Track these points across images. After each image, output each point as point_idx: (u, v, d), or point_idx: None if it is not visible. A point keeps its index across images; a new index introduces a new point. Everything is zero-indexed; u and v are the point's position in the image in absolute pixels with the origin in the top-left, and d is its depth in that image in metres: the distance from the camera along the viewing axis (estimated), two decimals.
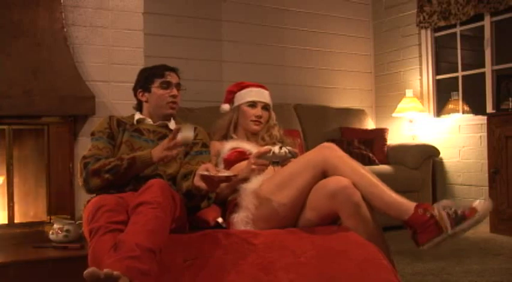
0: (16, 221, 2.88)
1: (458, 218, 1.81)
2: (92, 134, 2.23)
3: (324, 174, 2.00)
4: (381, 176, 2.00)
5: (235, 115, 2.54)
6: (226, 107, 2.60)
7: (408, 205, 1.88)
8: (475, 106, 4.54)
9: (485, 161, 3.89)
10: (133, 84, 2.41)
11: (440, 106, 4.80)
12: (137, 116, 2.32)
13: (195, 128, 2.36)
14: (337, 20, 5.16)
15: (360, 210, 1.92)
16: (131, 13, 3.19)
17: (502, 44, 4.31)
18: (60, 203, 2.95)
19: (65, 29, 2.96)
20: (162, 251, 1.67)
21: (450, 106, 4.68)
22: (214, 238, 1.92)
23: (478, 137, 4.31)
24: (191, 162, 2.20)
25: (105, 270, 1.43)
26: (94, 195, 2.08)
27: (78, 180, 2.12)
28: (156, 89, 2.29)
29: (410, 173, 4.17)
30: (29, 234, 2.83)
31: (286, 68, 4.88)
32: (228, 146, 2.42)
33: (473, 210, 1.82)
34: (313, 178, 2.00)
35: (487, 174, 3.84)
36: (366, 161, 4.13)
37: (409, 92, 4.75)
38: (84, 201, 2.09)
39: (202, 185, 1.91)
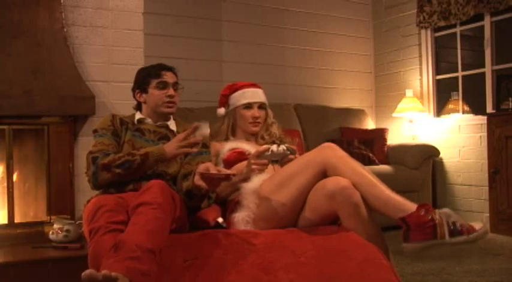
0: (16, 221, 2.88)
1: (455, 231, 1.79)
2: (95, 131, 2.21)
3: (324, 174, 2.00)
4: (381, 176, 2.00)
5: (232, 118, 2.53)
6: (222, 111, 2.57)
7: (409, 205, 1.88)
8: (475, 106, 4.54)
9: (485, 161, 3.89)
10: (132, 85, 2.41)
11: (440, 106, 4.80)
12: (137, 116, 2.32)
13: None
14: (337, 20, 5.16)
15: (359, 210, 1.92)
16: (131, 13, 3.19)
17: (502, 44, 4.31)
18: (60, 203, 2.95)
19: (65, 29, 2.96)
20: (162, 251, 1.67)
21: (450, 106, 4.68)
22: (214, 238, 1.92)
23: (478, 137, 4.31)
24: (191, 162, 2.20)
25: (103, 271, 1.43)
26: (94, 195, 2.08)
27: (85, 175, 2.11)
28: (152, 90, 2.28)
29: (410, 173, 4.17)
30: (29, 234, 2.83)
31: (286, 68, 4.88)
32: (227, 147, 2.42)
33: (472, 229, 1.80)
34: (313, 178, 2.00)
35: (487, 174, 3.84)
36: (366, 161, 4.13)
37: (409, 92, 4.75)
38: (84, 201, 2.09)
39: (202, 184, 1.91)
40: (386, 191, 1.92)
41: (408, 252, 1.85)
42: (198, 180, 1.91)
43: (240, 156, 2.35)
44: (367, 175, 1.96)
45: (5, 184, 2.86)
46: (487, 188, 3.84)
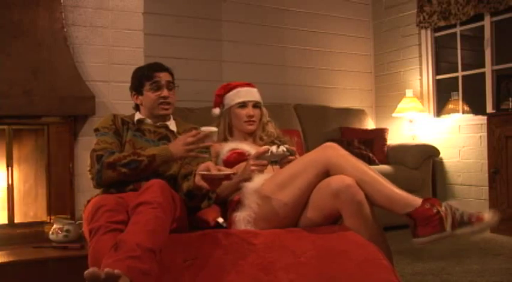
0: (16, 221, 2.88)
1: (463, 222, 1.80)
2: (96, 129, 2.21)
3: (327, 174, 2.00)
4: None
5: (227, 118, 2.52)
6: (217, 111, 2.56)
7: (414, 199, 1.88)
8: (475, 106, 4.54)
9: (485, 161, 3.89)
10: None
11: (440, 106, 4.80)
12: (137, 116, 2.32)
13: (196, 129, 2.36)
14: (337, 20, 5.16)
15: (363, 209, 1.92)
16: (131, 13, 3.19)
17: (502, 44, 4.31)
18: (60, 203, 2.95)
19: (65, 29, 2.96)
20: (162, 251, 1.67)
21: (450, 106, 4.68)
22: (214, 238, 1.92)
23: (478, 137, 4.31)
24: (192, 162, 2.20)
25: (106, 269, 1.43)
26: (94, 195, 2.08)
27: (89, 173, 2.10)
28: (147, 92, 2.28)
29: (410, 173, 4.17)
30: (29, 234, 2.83)
31: (286, 68, 4.88)
32: (227, 147, 2.41)
33: (480, 219, 1.80)
34: (315, 177, 2.00)
35: (487, 174, 3.84)
36: (366, 161, 4.05)
37: (409, 92, 4.75)
38: (84, 201, 2.09)
39: (203, 184, 1.91)
40: (390, 187, 1.93)
41: (418, 246, 1.85)
42: (199, 181, 1.91)
43: (240, 156, 2.35)
44: (371, 172, 1.96)
45: (5, 184, 2.86)
46: (487, 188, 3.84)
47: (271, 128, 2.56)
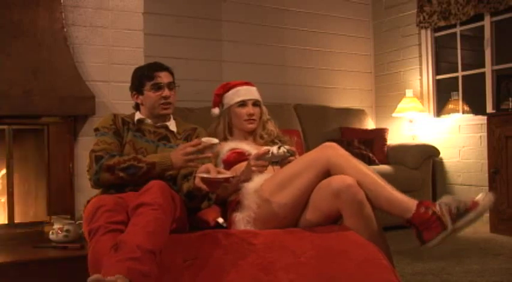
0: (16, 221, 2.88)
1: (460, 213, 1.81)
2: (96, 129, 2.21)
3: (327, 174, 2.00)
4: (381, 176, 2.00)
5: (227, 117, 2.52)
6: (216, 111, 2.56)
7: (410, 203, 1.89)
8: (475, 106, 4.54)
9: (485, 161, 3.89)
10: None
11: (440, 106, 4.80)
12: (137, 116, 2.32)
13: (196, 129, 2.36)
14: (337, 20, 5.16)
15: (363, 209, 1.92)
16: (131, 13, 3.19)
17: (502, 44, 4.31)
18: (60, 203, 2.95)
19: (65, 29, 2.96)
20: (162, 252, 1.67)
21: (450, 106, 4.68)
22: (214, 238, 1.92)
23: (478, 137, 4.31)
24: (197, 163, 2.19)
25: (109, 278, 1.43)
26: (94, 195, 2.08)
27: (87, 173, 2.10)
28: (147, 92, 2.27)
29: (410, 173, 4.17)
30: (29, 234, 2.83)
31: (286, 68, 4.88)
32: (226, 147, 2.41)
33: (475, 204, 1.82)
34: (315, 177, 2.00)
35: (487, 174, 3.84)
36: (366, 161, 4.07)
37: (409, 92, 4.75)
38: (84, 201, 2.09)
39: (202, 186, 1.91)
40: (390, 190, 1.93)
41: (431, 248, 1.86)
42: (198, 183, 1.92)
43: (239, 157, 2.35)
44: (371, 174, 1.97)
45: (5, 184, 2.86)
46: (487, 188, 3.84)
47: (271, 126, 2.56)
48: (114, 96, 3.09)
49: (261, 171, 2.08)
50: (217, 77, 4.47)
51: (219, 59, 4.55)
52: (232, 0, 4.61)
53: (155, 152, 2.19)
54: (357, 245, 1.86)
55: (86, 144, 2.83)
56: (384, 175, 2.00)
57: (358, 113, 4.95)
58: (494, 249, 3.21)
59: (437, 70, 4.86)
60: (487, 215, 3.88)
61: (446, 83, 4.80)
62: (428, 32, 4.85)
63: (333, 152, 2.02)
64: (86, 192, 2.81)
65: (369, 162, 4.16)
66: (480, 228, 3.66)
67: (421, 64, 4.90)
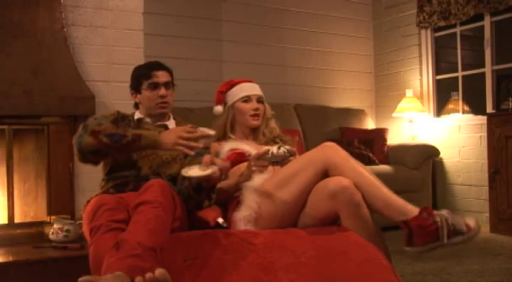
0: (16, 221, 2.88)
1: (456, 230, 1.82)
2: (94, 118, 2.19)
3: (326, 174, 2.00)
4: (381, 176, 2.00)
5: (230, 114, 2.51)
6: (219, 108, 2.54)
7: (410, 208, 1.88)
8: (475, 106, 4.54)
9: (485, 161, 3.89)
10: None
11: (440, 106, 4.80)
12: (137, 115, 2.32)
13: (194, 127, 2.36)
14: (337, 20, 5.17)
15: (360, 210, 1.92)
16: (131, 13, 3.19)
17: (502, 44, 4.31)
18: (60, 203, 2.95)
19: (65, 29, 2.96)
20: (162, 251, 1.67)
21: (450, 106, 4.68)
22: (214, 238, 1.92)
23: (478, 137, 4.31)
24: (192, 163, 2.19)
25: (105, 276, 1.43)
26: (94, 195, 2.07)
27: (73, 143, 2.02)
28: (144, 91, 2.27)
29: (410, 173, 4.17)
30: (29, 234, 2.83)
31: (286, 68, 4.88)
32: (226, 147, 2.40)
33: (469, 227, 1.82)
34: (314, 177, 2.00)
35: (487, 174, 3.85)
36: (366, 161, 4.13)
37: (409, 92, 4.75)
38: (84, 201, 2.09)
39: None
40: (387, 193, 1.93)
41: (411, 254, 1.86)
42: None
43: (239, 157, 2.35)
44: (369, 176, 1.96)
45: (5, 184, 2.86)
46: (487, 188, 3.84)
47: (273, 123, 2.57)
48: (114, 96, 3.09)
49: (261, 171, 2.08)
50: (217, 77, 4.47)
51: (219, 59, 4.55)
52: (232, 0, 4.61)
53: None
54: (357, 245, 1.86)
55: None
56: (383, 175, 2.01)
57: (358, 113, 4.95)
58: (494, 249, 3.21)
59: (437, 70, 4.87)
60: (487, 215, 3.88)
61: (446, 83, 4.80)
62: (428, 32, 4.85)
63: (332, 151, 2.02)
64: (86, 192, 2.82)
65: (369, 162, 4.16)
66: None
67: (421, 64, 4.90)
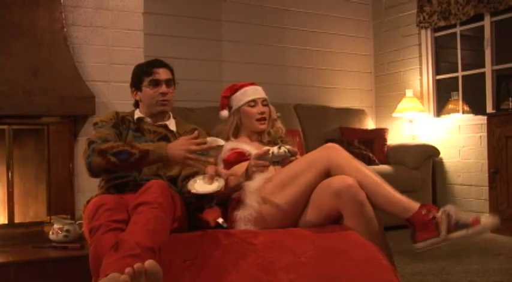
0: (16, 221, 2.88)
1: (458, 225, 1.82)
2: (95, 123, 2.19)
3: (327, 174, 2.00)
4: (381, 176, 2.01)
5: (236, 118, 2.52)
6: (225, 113, 2.56)
7: (412, 204, 1.90)
8: (475, 106, 4.54)
9: (485, 161, 3.89)
10: None
11: (440, 106, 4.80)
12: (137, 114, 2.31)
13: (196, 129, 2.35)
14: (337, 20, 5.16)
15: (364, 209, 1.92)
16: (131, 13, 3.19)
17: (502, 44, 4.31)
18: (60, 203, 2.95)
19: (65, 29, 2.96)
20: (162, 251, 1.67)
21: (450, 106, 4.68)
22: (214, 238, 1.92)
23: (478, 137, 4.31)
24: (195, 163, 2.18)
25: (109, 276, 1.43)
26: (94, 195, 2.08)
27: (83, 162, 2.02)
28: (145, 88, 2.26)
29: (410, 173, 4.17)
30: (29, 234, 2.83)
31: (286, 68, 4.88)
32: (227, 147, 2.41)
33: (476, 221, 1.82)
34: (316, 178, 2.00)
35: (487, 174, 3.84)
36: (366, 161, 4.12)
37: (409, 92, 4.75)
38: (84, 201, 2.09)
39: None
40: (390, 191, 1.94)
41: (418, 251, 1.87)
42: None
43: (240, 157, 2.35)
44: (371, 175, 1.97)
45: (5, 184, 2.86)
46: (487, 188, 3.84)
47: (279, 124, 2.59)
48: (114, 96, 3.09)
49: (261, 171, 2.08)
50: (217, 77, 4.48)
51: (219, 59, 4.55)
52: (232, 0, 4.61)
53: None
54: (357, 245, 1.86)
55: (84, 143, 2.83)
56: (384, 175, 2.01)
57: (358, 113, 4.95)
58: (494, 249, 3.21)
59: (437, 70, 4.86)
60: (487, 215, 3.87)
61: (446, 83, 4.80)
62: (428, 32, 4.85)
63: (334, 152, 2.03)
64: (86, 192, 2.82)
65: (369, 162, 4.16)
66: None
67: (421, 64, 4.90)
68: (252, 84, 2.59)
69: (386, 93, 5.23)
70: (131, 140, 2.18)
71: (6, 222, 2.85)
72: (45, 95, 2.81)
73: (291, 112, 4.55)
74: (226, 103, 2.57)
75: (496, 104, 4.07)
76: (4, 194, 2.87)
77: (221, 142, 2.01)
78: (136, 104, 2.36)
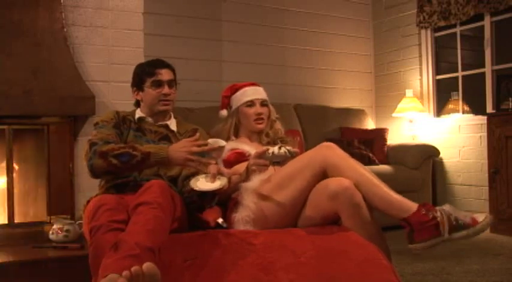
0: (16, 221, 2.88)
1: (458, 225, 1.81)
2: (96, 123, 2.18)
3: (324, 174, 2.00)
4: (381, 176, 2.01)
5: (235, 118, 2.53)
6: (224, 112, 2.57)
7: (410, 204, 1.89)
8: (475, 106, 4.54)
9: (485, 161, 3.89)
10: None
11: (440, 106, 4.80)
12: (138, 114, 2.31)
13: (197, 130, 2.35)
14: (337, 20, 5.16)
15: (361, 211, 1.92)
16: (131, 13, 3.19)
17: (502, 44, 4.31)
18: (60, 203, 2.95)
19: (65, 29, 2.96)
20: (162, 251, 1.67)
21: (450, 106, 4.68)
22: (214, 238, 1.92)
23: (478, 137, 4.31)
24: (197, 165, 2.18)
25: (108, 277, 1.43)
26: (94, 195, 2.08)
27: (85, 164, 2.02)
28: (148, 88, 2.26)
29: (410, 173, 4.17)
30: (29, 234, 2.83)
31: (286, 68, 4.88)
32: (228, 147, 2.40)
33: (475, 221, 1.81)
34: (313, 177, 2.00)
35: (487, 174, 3.84)
36: (366, 161, 4.13)
37: (409, 92, 4.75)
38: (84, 202, 2.09)
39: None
40: (387, 191, 1.93)
41: (415, 252, 1.86)
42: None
43: (240, 157, 2.35)
44: (368, 175, 1.97)
45: (5, 184, 2.86)
46: (487, 188, 3.84)
47: (278, 125, 2.58)
48: (114, 96, 3.09)
49: (261, 171, 2.08)
50: (217, 77, 4.48)
51: (219, 59, 4.55)
52: (232, 0, 4.61)
53: None
54: (357, 245, 1.86)
55: (86, 144, 2.83)
56: (383, 175, 2.00)
57: (358, 113, 4.95)
58: (494, 249, 3.21)
59: (437, 70, 4.86)
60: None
61: (446, 83, 4.80)
62: (428, 32, 4.85)
63: (330, 152, 2.02)
64: (86, 192, 2.81)
65: (369, 162, 4.16)
66: None
67: (421, 64, 4.90)
68: (253, 84, 2.60)
69: (386, 93, 5.23)
70: (132, 139, 2.18)
71: (6, 222, 2.85)
72: (45, 95, 2.81)
73: (291, 112, 4.55)
74: (226, 103, 2.57)
75: (496, 104, 4.07)
76: (4, 194, 2.86)
77: (222, 143, 2.01)
78: (137, 104, 2.36)
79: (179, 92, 2.40)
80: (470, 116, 4.51)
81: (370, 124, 4.97)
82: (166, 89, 2.25)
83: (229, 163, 2.35)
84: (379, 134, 4.56)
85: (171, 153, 1.93)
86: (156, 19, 4.13)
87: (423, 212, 1.83)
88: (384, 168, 4.14)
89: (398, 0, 5.06)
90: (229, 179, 2.07)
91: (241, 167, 2.24)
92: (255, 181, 2.08)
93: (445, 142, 4.55)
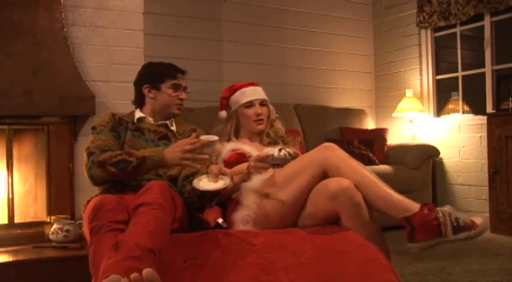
0: (16, 221, 2.88)
1: (459, 227, 1.81)
2: (93, 128, 2.19)
3: (325, 174, 2.00)
4: (381, 176, 2.00)
5: (235, 119, 2.53)
6: (223, 113, 2.57)
7: (412, 204, 1.88)
8: (475, 106, 4.54)
9: (485, 161, 3.89)
10: (135, 79, 2.37)
11: (440, 106, 4.80)
12: (137, 114, 2.31)
13: (195, 130, 2.35)
14: (337, 20, 5.16)
15: (361, 211, 1.92)
16: (131, 13, 3.19)
17: (502, 44, 4.31)
18: (60, 203, 2.95)
19: (65, 29, 2.96)
20: (162, 251, 1.67)
21: (450, 106, 4.68)
22: (214, 238, 1.92)
23: (478, 137, 4.31)
24: (193, 162, 2.18)
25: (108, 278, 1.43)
26: (94, 195, 2.07)
27: (86, 174, 2.05)
28: (166, 89, 2.28)
29: (410, 173, 4.17)
30: (29, 234, 2.83)
31: (286, 68, 4.88)
32: (228, 147, 2.41)
33: (474, 224, 1.81)
34: (313, 178, 2.00)
35: (487, 174, 3.84)
36: (366, 161, 4.13)
37: (409, 92, 4.75)
38: (84, 202, 2.09)
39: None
40: (388, 191, 1.93)
41: (414, 251, 1.85)
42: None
43: (240, 157, 2.35)
44: (369, 175, 1.97)
45: (5, 184, 2.86)
46: (487, 188, 3.84)
47: (278, 124, 2.58)
48: (114, 96, 3.09)
49: (260, 173, 2.08)
50: (217, 77, 4.48)
51: (219, 59, 4.55)
52: (232, 0, 4.61)
53: None
54: (357, 245, 1.86)
55: (86, 144, 2.82)
56: (383, 175, 2.00)
57: (358, 113, 4.95)
58: (494, 249, 3.21)
59: (437, 70, 4.86)
60: (487, 215, 3.88)
61: (446, 83, 4.80)
62: (428, 32, 4.85)
63: (330, 153, 2.02)
64: (86, 192, 2.80)
65: (369, 162, 4.16)
66: None
67: (421, 64, 4.90)
68: (252, 84, 2.59)
69: (386, 93, 5.23)
70: (130, 139, 2.18)
71: (6, 222, 2.85)
72: (45, 95, 2.81)
73: (291, 112, 4.55)
74: (225, 104, 2.57)
75: (496, 104, 4.07)
76: (4, 194, 2.86)
77: (214, 138, 2.01)
78: (137, 103, 2.34)
79: None
80: (470, 116, 4.52)
81: (370, 124, 4.97)
82: (183, 95, 2.32)
83: (230, 164, 2.35)
84: (379, 134, 4.56)
85: (167, 155, 1.96)
86: (156, 19, 4.14)
87: (426, 212, 1.83)
88: (384, 168, 4.14)
89: (398, 0, 5.06)
90: (231, 179, 2.07)
91: (241, 167, 2.23)
92: (256, 181, 2.08)
93: (445, 142, 4.56)
